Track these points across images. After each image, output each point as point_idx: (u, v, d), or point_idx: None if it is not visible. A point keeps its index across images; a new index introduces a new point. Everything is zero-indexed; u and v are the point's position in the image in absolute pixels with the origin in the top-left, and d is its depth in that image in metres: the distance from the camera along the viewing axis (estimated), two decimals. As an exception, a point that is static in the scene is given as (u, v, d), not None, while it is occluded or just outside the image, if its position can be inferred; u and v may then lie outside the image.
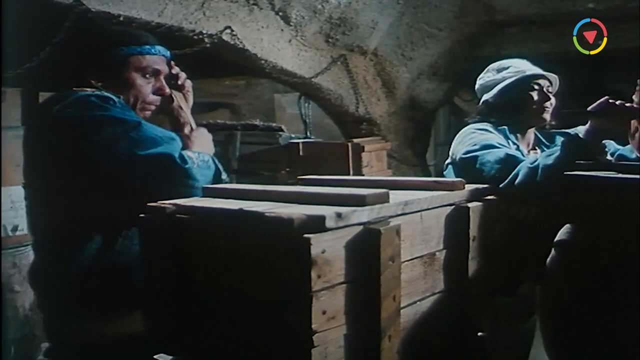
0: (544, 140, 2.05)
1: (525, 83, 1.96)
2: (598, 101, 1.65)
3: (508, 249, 1.53)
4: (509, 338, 1.79)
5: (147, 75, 1.61)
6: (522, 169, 1.65)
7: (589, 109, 1.66)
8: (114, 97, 1.52)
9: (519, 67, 2.00)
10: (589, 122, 1.66)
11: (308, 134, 5.07)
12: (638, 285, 1.22)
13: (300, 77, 4.18)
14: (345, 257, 1.05)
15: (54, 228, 1.55)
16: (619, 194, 1.30)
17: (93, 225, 1.51)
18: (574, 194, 1.39)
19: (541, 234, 1.52)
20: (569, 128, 1.88)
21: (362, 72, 4.56)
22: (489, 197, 1.41)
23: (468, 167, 1.78)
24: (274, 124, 4.96)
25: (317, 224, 1.00)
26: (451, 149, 1.98)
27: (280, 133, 4.64)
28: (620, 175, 1.33)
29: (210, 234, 1.18)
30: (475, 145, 1.82)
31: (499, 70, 2.02)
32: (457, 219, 1.32)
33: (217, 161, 1.58)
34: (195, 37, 3.40)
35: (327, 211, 1.02)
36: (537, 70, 1.99)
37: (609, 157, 1.73)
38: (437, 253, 1.28)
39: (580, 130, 1.68)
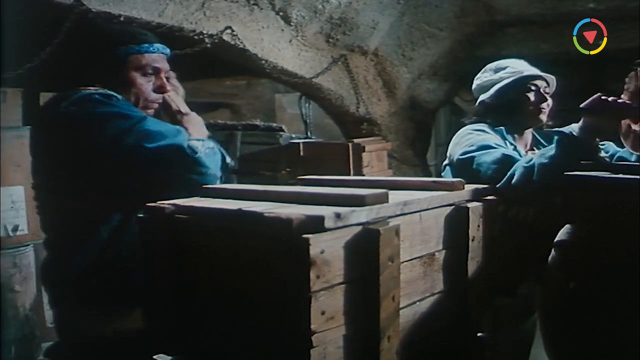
0: (541, 140, 2.04)
1: (522, 84, 1.95)
2: (590, 98, 1.65)
3: (508, 249, 1.53)
4: (509, 338, 1.78)
5: (147, 74, 1.61)
6: (518, 169, 1.65)
7: (581, 106, 1.66)
8: (116, 95, 1.53)
9: (517, 67, 1.99)
10: (582, 120, 1.66)
11: (308, 134, 5.07)
12: (638, 285, 1.21)
13: (300, 77, 4.18)
14: (344, 258, 1.05)
15: (64, 225, 1.57)
16: (619, 194, 1.30)
17: (103, 220, 1.52)
18: (574, 194, 1.39)
19: (541, 234, 1.52)
20: (563, 127, 1.88)
21: (362, 72, 4.56)
22: (488, 198, 1.41)
23: (465, 168, 1.78)
24: (274, 124, 4.95)
25: (316, 224, 1.00)
26: (448, 150, 1.98)
27: (281, 133, 4.63)
28: (620, 175, 1.33)
29: (210, 234, 1.18)
30: (472, 146, 1.82)
31: (497, 71, 2.02)
32: (456, 219, 1.32)
33: (220, 146, 1.61)
34: (195, 37, 3.40)
35: (326, 211, 1.02)
36: (535, 71, 1.99)
37: (602, 154, 1.73)
38: (436, 253, 1.28)
39: (574, 128, 1.68)
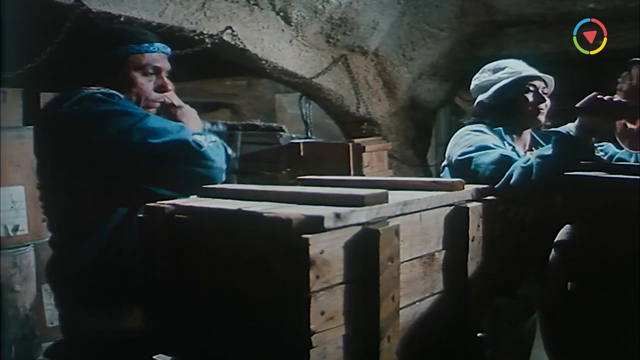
0: (540, 141, 2.04)
1: (521, 84, 1.95)
2: (586, 97, 1.65)
3: (508, 249, 1.53)
4: (510, 338, 1.78)
5: (148, 74, 1.61)
6: (516, 169, 1.65)
7: (577, 105, 1.66)
8: (118, 94, 1.53)
9: (515, 68, 1.99)
10: (578, 119, 1.66)
11: (309, 134, 5.08)
12: (638, 285, 1.21)
13: (301, 78, 4.19)
14: (344, 258, 1.05)
15: (67, 224, 1.58)
16: (619, 194, 1.30)
17: (104, 220, 1.52)
18: (574, 194, 1.39)
19: (541, 234, 1.52)
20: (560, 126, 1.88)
21: (363, 73, 4.56)
22: (488, 197, 1.41)
23: (463, 169, 1.78)
24: (274, 124, 4.95)
25: (316, 225, 1.00)
26: (447, 151, 1.97)
27: (281, 133, 4.63)
28: (620, 175, 1.33)
29: (209, 235, 1.18)
30: (470, 146, 1.81)
31: (495, 71, 2.02)
32: (456, 220, 1.32)
33: (221, 139, 1.62)
34: (196, 37, 3.41)
35: (326, 211, 1.02)
36: (533, 72, 1.99)
37: (600, 154, 1.73)
38: (436, 253, 1.28)
39: (571, 127, 1.69)
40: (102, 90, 1.53)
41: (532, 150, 2.01)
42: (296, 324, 1.01)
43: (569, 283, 1.38)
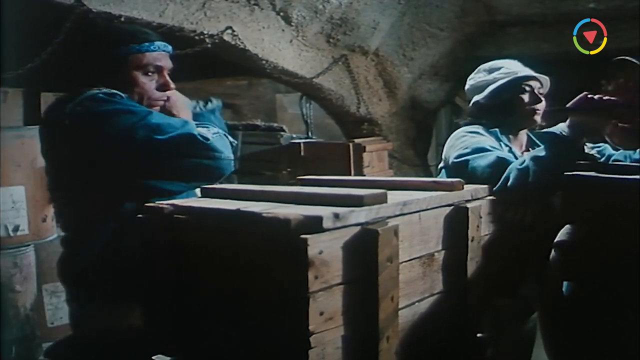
0: (537, 141, 2.03)
1: (516, 85, 1.94)
2: (577, 97, 1.65)
3: (508, 249, 1.53)
4: (510, 338, 1.78)
5: (149, 73, 1.61)
6: (512, 172, 1.64)
7: (567, 105, 1.66)
8: (120, 93, 1.54)
9: (511, 68, 1.98)
10: (569, 119, 1.67)
11: (309, 134, 5.08)
12: (638, 285, 1.21)
13: (301, 78, 4.18)
14: (343, 258, 1.05)
15: (73, 223, 1.60)
16: (619, 194, 1.30)
17: (105, 219, 1.53)
18: (573, 194, 1.39)
19: (541, 235, 1.52)
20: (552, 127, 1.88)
21: (363, 72, 4.56)
22: (487, 198, 1.41)
23: (460, 171, 1.77)
24: (275, 124, 4.96)
25: (315, 225, 1.00)
26: (443, 153, 1.96)
27: (282, 133, 4.64)
28: (620, 175, 1.33)
29: (208, 235, 1.18)
30: (466, 148, 1.80)
31: (491, 71, 2.01)
32: (456, 220, 1.32)
33: (223, 130, 1.63)
34: (196, 37, 3.41)
35: (325, 212, 1.02)
36: (529, 72, 1.98)
37: (591, 152, 1.73)
38: (435, 254, 1.28)
39: (562, 127, 1.69)
40: (104, 90, 1.54)
41: (529, 150, 2.00)
42: (295, 324, 1.01)
43: (569, 283, 1.38)
